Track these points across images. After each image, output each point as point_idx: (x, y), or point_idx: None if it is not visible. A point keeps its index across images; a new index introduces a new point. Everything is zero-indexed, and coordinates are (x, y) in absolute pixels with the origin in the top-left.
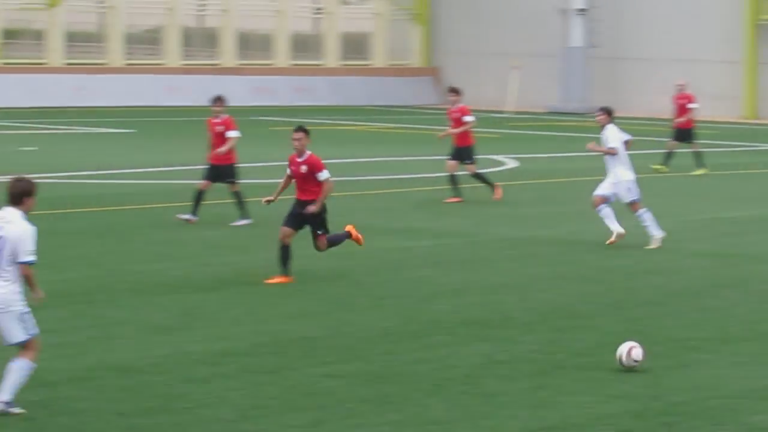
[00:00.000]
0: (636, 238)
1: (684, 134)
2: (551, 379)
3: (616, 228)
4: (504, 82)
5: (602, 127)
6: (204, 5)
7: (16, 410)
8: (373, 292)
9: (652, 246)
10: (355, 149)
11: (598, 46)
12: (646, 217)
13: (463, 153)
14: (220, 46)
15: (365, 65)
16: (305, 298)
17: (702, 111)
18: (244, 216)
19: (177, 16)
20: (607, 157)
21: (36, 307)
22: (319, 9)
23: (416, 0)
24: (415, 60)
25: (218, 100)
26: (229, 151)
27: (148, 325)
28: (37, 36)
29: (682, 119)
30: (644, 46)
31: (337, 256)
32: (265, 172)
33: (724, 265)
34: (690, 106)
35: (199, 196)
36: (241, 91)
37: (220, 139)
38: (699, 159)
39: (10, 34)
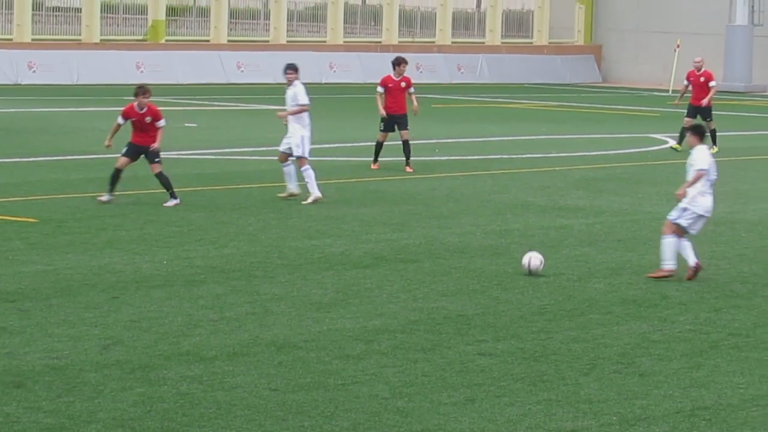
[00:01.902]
0: None
1: (702, 111)
2: (706, 359)
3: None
4: (666, 61)
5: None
6: None
7: None
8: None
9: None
10: (515, 127)
11: (761, 24)
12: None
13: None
14: (382, 23)
15: (527, 43)
16: (461, 276)
17: None
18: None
19: None
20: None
21: (195, 282)
22: None
23: None
24: (577, 38)
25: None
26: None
27: (304, 301)
28: (202, 13)
29: (705, 98)
30: None
31: (494, 233)
32: (430, 150)
33: None
34: (711, 84)
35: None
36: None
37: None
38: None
39: (175, 11)
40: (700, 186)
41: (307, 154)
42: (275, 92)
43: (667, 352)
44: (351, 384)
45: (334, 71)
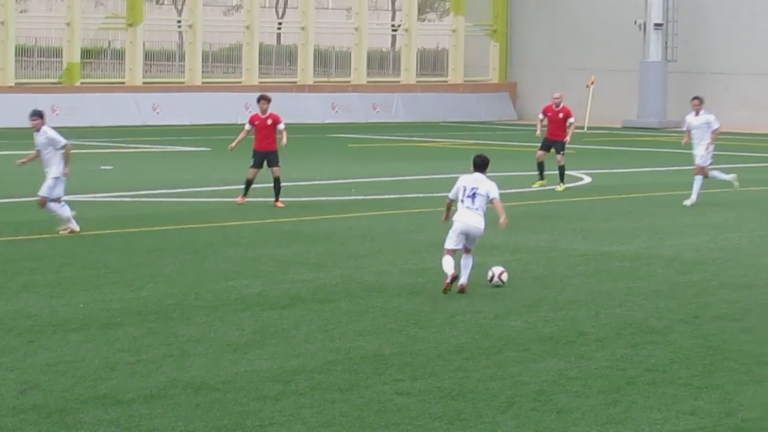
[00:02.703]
0: (711, 253)
1: (556, 145)
2: (623, 396)
3: None
4: (581, 98)
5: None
6: (282, 23)
7: None
8: (445, 309)
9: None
10: (431, 166)
11: (675, 60)
12: None
13: None
14: (297, 63)
15: (442, 82)
16: (378, 315)
17: None
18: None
19: (255, 34)
20: None
21: (112, 325)
22: (396, 26)
23: (493, 16)
24: (492, 76)
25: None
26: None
27: (221, 342)
28: (116, 55)
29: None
30: (721, 59)
31: (411, 272)
32: (346, 189)
33: None
34: (570, 121)
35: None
36: (318, 109)
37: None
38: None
39: (90, 54)
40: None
41: (59, 195)
42: (192, 133)
43: (584, 389)
44: (269, 425)
45: (249, 111)
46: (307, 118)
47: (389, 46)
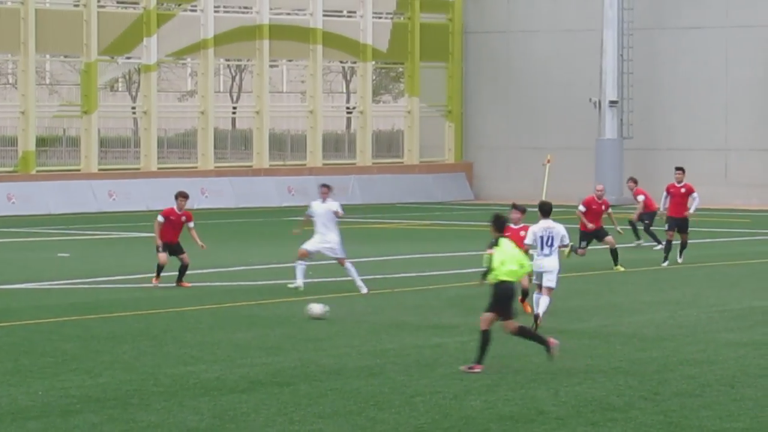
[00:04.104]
0: (671, 329)
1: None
2: None
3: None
4: (537, 176)
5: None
6: (236, 107)
7: None
8: (405, 390)
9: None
10: (388, 247)
11: (631, 137)
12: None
13: None
14: (253, 147)
15: (397, 163)
16: (337, 398)
17: (736, 199)
18: None
19: (210, 119)
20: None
21: (71, 412)
22: (351, 108)
23: (448, 97)
24: (447, 156)
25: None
26: None
27: (180, 428)
28: (72, 142)
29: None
30: (676, 136)
31: (369, 354)
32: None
33: (760, 354)
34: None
35: None
36: (274, 192)
37: None
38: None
39: (46, 142)
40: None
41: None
42: (148, 219)
43: None
44: None
45: (206, 197)
46: (264, 202)
47: (344, 128)
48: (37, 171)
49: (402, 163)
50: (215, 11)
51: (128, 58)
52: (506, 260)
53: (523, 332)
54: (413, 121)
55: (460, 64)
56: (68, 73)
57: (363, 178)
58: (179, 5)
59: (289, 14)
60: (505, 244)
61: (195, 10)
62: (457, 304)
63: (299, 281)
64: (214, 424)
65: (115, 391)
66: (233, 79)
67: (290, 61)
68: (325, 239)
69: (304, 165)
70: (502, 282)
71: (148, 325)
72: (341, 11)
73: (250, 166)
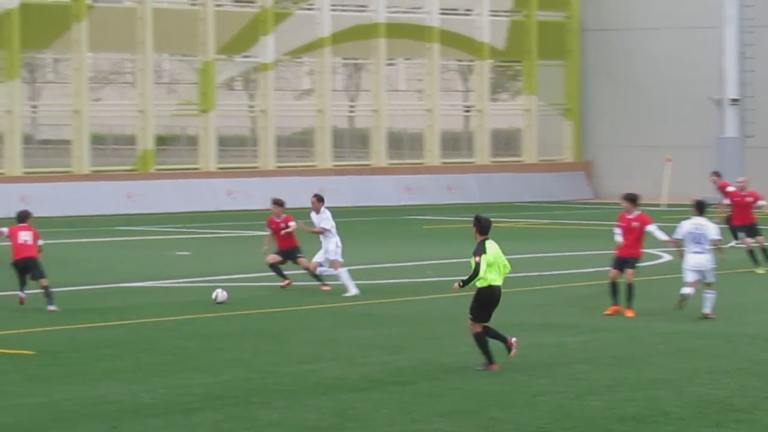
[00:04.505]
0: None
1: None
2: None
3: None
4: (657, 175)
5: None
6: (354, 106)
7: None
8: (526, 390)
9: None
10: (507, 246)
11: (753, 135)
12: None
13: None
14: (370, 146)
15: (516, 161)
16: (458, 396)
17: None
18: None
19: (327, 117)
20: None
21: (192, 410)
22: (469, 106)
23: (566, 95)
24: (566, 155)
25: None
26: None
27: (301, 426)
28: (190, 141)
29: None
30: None
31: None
32: (422, 271)
33: None
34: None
35: None
36: (392, 191)
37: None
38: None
39: (164, 140)
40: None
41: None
42: (266, 218)
43: None
44: None
45: (325, 195)
46: (381, 201)
47: (462, 126)
48: (156, 170)
49: (521, 161)
50: (332, 10)
51: (245, 56)
52: (493, 264)
53: (483, 336)
54: (531, 119)
55: (578, 62)
56: (186, 72)
57: (481, 177)
58: (296, 4)
59: (405, 12)
60: (490, 247)
61: (311, 9)
62: (577, 303)
63: (352, 289)
64: (334, 423)
65: (236, 389)
66: (350, 77)
67: (407, 59)
68: (325, 249)
69: (422, 164)
70: (489, 286)
71: (269, 323)
72: (458, 9)
73: (368, 165)
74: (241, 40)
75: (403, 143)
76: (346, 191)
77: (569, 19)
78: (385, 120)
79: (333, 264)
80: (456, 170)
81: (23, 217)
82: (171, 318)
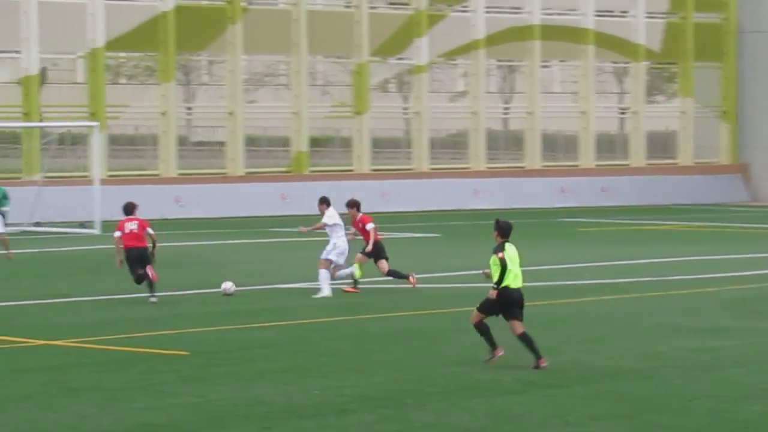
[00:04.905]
0: None
1: None
2: None
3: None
4: None
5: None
6: (508, 108)
7: None
8: (681, 394)
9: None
10: (663, 249)
11: None
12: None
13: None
14: (524, 148)
15: (671, 164)
16: (613, 400)
17: None
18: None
19: (482, 119)
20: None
21: (346, 411)
22: (624, 109)
23: (722, 97)
24: (722, 157)
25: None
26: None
27: (455, 428)
28: (344, 143)
29: None
30: None
31: (644, 356)
32: (578, 273)
33: None
34: None
35: None
36: (545, 193)
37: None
38: None
39: (318, 142)
40: None
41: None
42: (421, 220)
43: None
44: None
45: (479, 197)
46: (535, 203)
47: (617, 128)
48: (310, 171)
49: (676, 164)
50: (486, 12)
51: (399, 58)
52: (512, 266)
53: (483, 324)
54: (687, 121)
55: (735, 64)
56: (340, 74)
57: (636, 179)
58: (450, 6)
59: (560, 14)
60: (509, 250)
61: (466, 11)
62: (735, 306)
63: (325, 290)
64: (487, 425)
65: (389, 390)
66: (504, 79)
67: (562, 61)
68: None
69: (576, 166)
70: (505, 288)
71: (422, 325)
72: (613, 11)
73: (522, 167)
74: (395, 42)
75: (557, 145)
76: (500, 193)
77: (726, 21)
78: (540, 122)
79: (320, 263)
80: (610, 172)
81: (129, 209)
82: (325, 319)
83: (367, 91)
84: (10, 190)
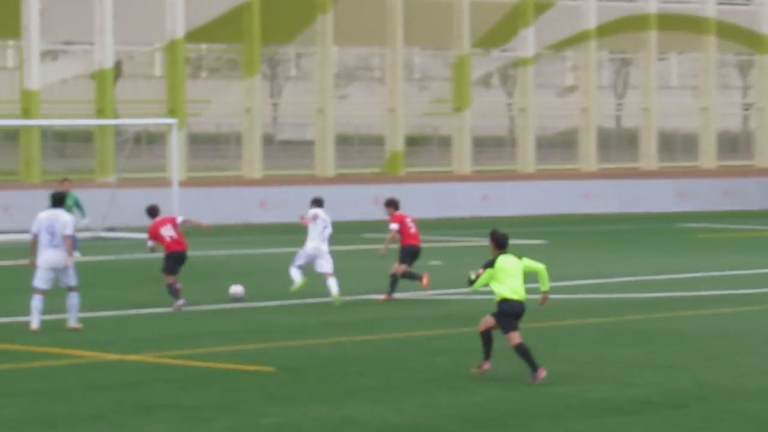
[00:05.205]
0: None
1: None
2: None
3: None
4: None
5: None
6: (622, 104)
7: None
8: None
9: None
10: None
11: None
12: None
13: None
14: (639, 147)
15: None
16: (736, 421)
17: None
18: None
19: (593, 116)
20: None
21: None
22: (748, 104)
23: None
24: None
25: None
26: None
27: None
28: (443, 142)
29: None
30: None
31: None
32: (692, 284)
33: None
34: None
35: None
36: (663, 196)
37: None
38: None
39: (415, 141)
40: None
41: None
42: (526, 225)
43: None
44: None
45: (589, 201)
46: (651, 207)
47: (741, 126)
48: (406, 172)
49: None
50: (598, 0)
51: (503, 50)
52: (504, 279)
53: (523, 345)
54: None
55: None
56: (438, 67)
57: (762, 182)
58: None
59: (678, 2)
60: (506, 261)
61: None
62: None
63: (296, 280)
64: None
65: (491, 410)
66: (618, 73)
67: (680, 53)
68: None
69: (696, 167)
70: (505, 300)
71: (526, 338)
72: None
73: (637, 168)
74: (498, 33)
75: (675, 144)
76: (612, 196)
77: None
78: (656, 119)
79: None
80: (734, 174)
81: (154, 212)
82: (421, 333)
83: (468, 85)
84: (82, 193)
